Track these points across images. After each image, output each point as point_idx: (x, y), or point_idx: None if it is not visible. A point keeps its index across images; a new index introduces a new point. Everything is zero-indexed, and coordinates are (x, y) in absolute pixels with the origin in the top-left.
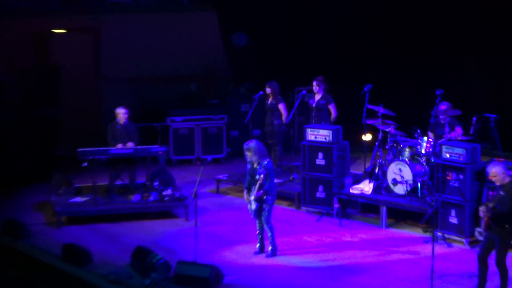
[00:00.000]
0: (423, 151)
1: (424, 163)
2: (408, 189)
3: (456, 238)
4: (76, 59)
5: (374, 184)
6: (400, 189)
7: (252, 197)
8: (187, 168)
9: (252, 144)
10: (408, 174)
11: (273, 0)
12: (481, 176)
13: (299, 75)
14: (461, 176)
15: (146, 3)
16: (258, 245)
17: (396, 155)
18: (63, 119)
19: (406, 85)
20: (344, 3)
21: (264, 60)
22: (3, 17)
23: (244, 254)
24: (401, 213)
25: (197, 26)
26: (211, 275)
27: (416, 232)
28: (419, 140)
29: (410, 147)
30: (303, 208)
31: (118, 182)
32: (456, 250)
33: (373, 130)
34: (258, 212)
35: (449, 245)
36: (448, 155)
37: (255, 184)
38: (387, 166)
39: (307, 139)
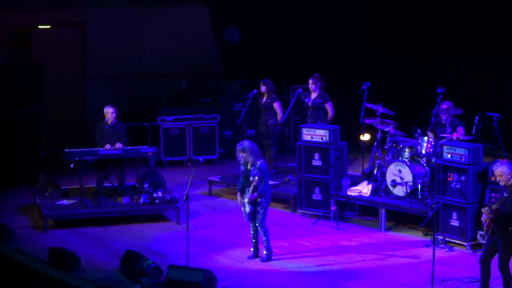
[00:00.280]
0: (423, 152)
1: (425, 164)
2: (408, 191)
3: (457, 241)
4: (60, 55)
5: (372, 186)
6: (399, 191)
7: (246, 200)
8: (178, 170)
9: (247, 144)
10: (408, 176)
11: None
12: (484, 177)
13: (295, 72)
14: (463, 177)
15: None
16: (252, 249)
17: (396, 156)
18: (47, 118)
19: (406, 83)
20: None
21: (258, 56)
22: None
23: (238, 259)
24: (401, 215)
25: (188, 21)
26: (204, 280)
27: (416, 235)
28: (419, 140)
29: (410, 147)
30: (299, 211)
31: (107, 184)
32: (457, 254)
33: (372, 130)
34: (252, 215)
35: (451, 249)
36: (449, 156)
37: (249, 186)
38: (386, 167)
39: (303, 139)
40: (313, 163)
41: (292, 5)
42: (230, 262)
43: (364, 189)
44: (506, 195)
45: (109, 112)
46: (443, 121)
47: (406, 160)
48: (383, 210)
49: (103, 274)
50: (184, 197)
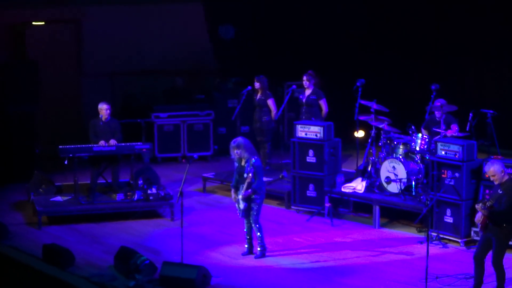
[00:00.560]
0: (417, 148)
1: (419, 161)
2: (402, 187)
3: (451, 238)
4: (55, 52)
5: (366, 183)
6: (393, 188)
7: (240, 196)
8: (173, 166)
9: (241, 140)
10: (402, 172)
11: None
12: (478, 174)
13: (289, 69)
14: (457, 174)
15: None
16: (246, 245)
17: (390, 153)
18: (42, 115)
19: (400, 80)
20: None
21: (252, 53)
22: None
23: (232, 255)
24: (395, 212)
25: (183, 19)
26: (198, 276)
27: (410, 232)
28: (413, 137)
29: (404, 144)
30: (293, 208)
31: (101, 180)
32: (451, 251)
33: (366, 127)
34: (246, 212)
35: (444, 246)
36: (443, 152)
37: (243, 183)
38: (380, 163)
39: (297, 136)
40: (307, 160)
41: (286, 2)
42: (224, 258)
43: (358, 185)
44: (501, 192)
45: (103, 109)
46: (437, 118)
47: (400, 157)
48: (377, 207)
49: (98, 270)
50: (178, 194)
